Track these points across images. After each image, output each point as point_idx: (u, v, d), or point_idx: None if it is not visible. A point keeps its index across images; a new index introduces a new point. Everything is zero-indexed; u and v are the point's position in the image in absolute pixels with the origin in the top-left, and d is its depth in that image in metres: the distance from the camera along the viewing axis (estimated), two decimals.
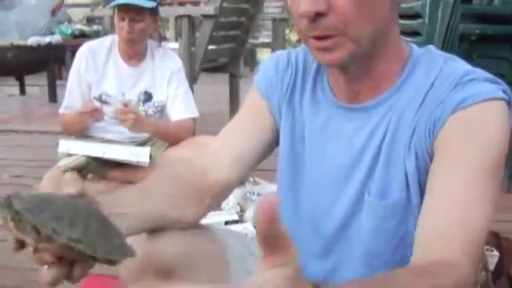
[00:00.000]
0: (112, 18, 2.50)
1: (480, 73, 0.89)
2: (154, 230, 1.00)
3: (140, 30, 2.38)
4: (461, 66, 0.91)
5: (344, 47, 0.85)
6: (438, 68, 0.91)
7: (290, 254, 0.50)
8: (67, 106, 2.48)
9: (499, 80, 0.89)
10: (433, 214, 0.83)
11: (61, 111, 2.50)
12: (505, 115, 0.85)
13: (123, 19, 2.34)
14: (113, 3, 2.34)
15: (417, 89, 0.91)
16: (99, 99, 2.44)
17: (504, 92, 0.86)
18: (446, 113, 0.85)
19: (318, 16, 0.83)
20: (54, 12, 5.70)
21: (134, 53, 2.47)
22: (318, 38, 0.85)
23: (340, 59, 0.87)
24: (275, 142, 1.10)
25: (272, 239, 0.49)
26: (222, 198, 1.12)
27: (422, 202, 0.87)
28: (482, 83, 0.86)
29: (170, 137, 2.44)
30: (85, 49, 2.49)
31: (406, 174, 0.90)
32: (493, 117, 0.84)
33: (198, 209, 1.04)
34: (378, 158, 0.93)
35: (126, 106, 2.27)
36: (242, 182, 1.17)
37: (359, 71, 0.92)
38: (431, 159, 0.87)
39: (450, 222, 0.81)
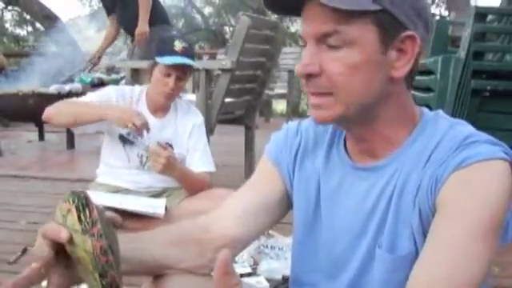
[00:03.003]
0: (134, 70, 2.57)
1: (482, 136, 0.94)
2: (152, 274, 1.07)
3: (181, 86, 2.51)
4: (465, 129, 0.96)
5: (332, 108, 0.94)
6: (443, 131, 0.97)
7: None
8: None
9: (501, 142, 0.94)
10: (425, 263, 0.88)
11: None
12: (505, 174, 0.89)
13: (169, 75, 2.43)
14: (165, 60, 2.41)
15: (423, 149, 0.97)
16: (127, 136, 2.48)
17: (505, 153, 0.91)
18: (448, 171, 0.90)
19: (310, 76, 0.92)
20: (89, 64, 5.78)
21: (163, 106, 2.55)
22: (312, 93, 0.94)
23: (327, 118, 0.96)
24: (287, 205, 1.17)
25: None
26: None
27: None
28: (484, 145, 0.91)
29: (193, 186, 2.47)
30: (118, 87, 2.62)
31: (413, 231, 0.95)
32: (493, 174, 0.89)
33: (197, 260, 1.09)
34: (387, 215, 0.98)
35: (164, 148, 2.31)
36: (255, 239, 1.21)
37: (364, 133, 1.00)
38: (433, 215, 0.91)
39: (441, 270, 0.85)
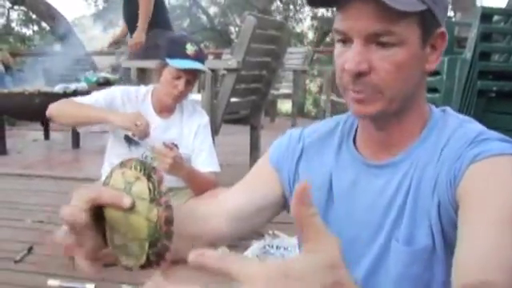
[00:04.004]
0: (140, 69, 2.55)
1: (492, 133, 0.97)
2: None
3: (190, 89, 2.51)
4: (474, 126, 0.99)
5: (377, 103, 0.95)
6: (453, 127, 0.99)
7: (323, 242, 0.53)
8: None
9: (510, 139, 0.96)
10: (464, 257, 0.85)
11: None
12: None
13: (179, 78, 2.43)
14: (176, 63, 2.41)
15: (434, 146, 0.99)
16: (132, 136, 2.46)
17: None
18: (464, 166, 0.92)
19: (359, 74, 0.93)
20: (114, 43, 5.36)
21: (169, 107, 2.55)
22: (358, 91, 0.95)
23: (372, 112, 0.97)
24: (280, 208, 1.18)
25: (306, 222, 0.53)
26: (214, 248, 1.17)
27: (446, 250, 0.94)
28: (495, 142, 0.94)
29: (200, 185, 2.46)
30: (123, 87, 2.62)
31: (431, 223, 0.96)
32: (507, 167, 0.90)
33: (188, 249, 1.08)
34: (404, 209, 0.99)
35: (170, 148, 2.30)
36: (239, 239, 1.23)
37: (388, 124, 1.01)
38: (454, 209, 0.92)
39: (482, 262, 0.83)
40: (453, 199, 0.92)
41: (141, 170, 0.81)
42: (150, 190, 0.79)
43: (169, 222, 0.79)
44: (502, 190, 0.88)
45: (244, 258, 0.53)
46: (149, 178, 0.80)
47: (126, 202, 0.79)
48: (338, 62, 0.97)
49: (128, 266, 0.83)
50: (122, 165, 0.84)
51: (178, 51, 2.42)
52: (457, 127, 0.99)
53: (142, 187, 0.80)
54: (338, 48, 0.97)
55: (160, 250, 0.79)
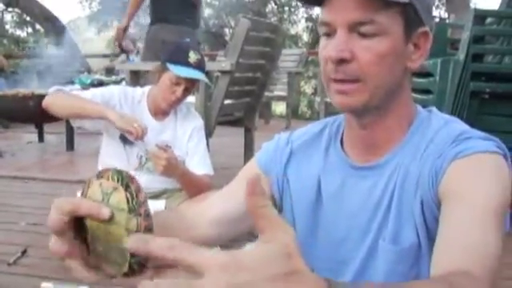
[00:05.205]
0: (134, 72, 2.54)
1: (475, 132, 0.98)
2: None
3: (187, 95, 2.52)
4: (458, 126, 1.00)
5: (360, 95, 0.96)
6: (437, 127, 1.01)
7: (277, 232, 0.53)
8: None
9: (493, 137, 0.97)
10: (447, 249, 0.86)
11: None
12: (502, 166, 0.92)
13: (178, 84, 2.43)
14: (177, 70, 2.41)
15: (418, 145, 1.00)
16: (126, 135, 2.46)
17: (498, 148, 0.94)
18: (447, 162, 0.93)
19: (341, 62, 0.94)
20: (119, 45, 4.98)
21: (163, 110, 2.55)
22: (338, 80, 0.96)
23: (355, 104, 0.97)
24: None
25: (259, 213, 0.54)
26: None
27: (430, 247, 0.93)
28: (478, 140, 0.95)
29: (195, 187, 2.46)
30: (121, 87, 2.65)
31: (415, 222, 0.97)
32: (489, 164, 0.92)
33: None
34: (390, 209, 1.00)
35: (164, 150, 2.31)
36: (232, 240, 1.23)
37: (373, 121, 1.02)
38: (437, 206, 0.93)
39: (465, 256, 0.83)
40: (435, 196, 0.93)
41: (118, 180, 0.79)
42: (128, 200, 0.78)
43: (149, 231, 0.77)
44: (486, 186, 0.89)
45: (195, 247, 0.52)
46: (126, 187, 0.79)
47: (105, 213, 0.77)
48: (322, 54, 0.97)
49: (111, 274, 0.81)
50: (99, 175, 0.82)
51: (181, 58, 2.42)
52: (441, 126, 1.00)
53: (119, 198, 0.78)
54: (323, 41, 0.98)
55: (142, 259, 0.77)
